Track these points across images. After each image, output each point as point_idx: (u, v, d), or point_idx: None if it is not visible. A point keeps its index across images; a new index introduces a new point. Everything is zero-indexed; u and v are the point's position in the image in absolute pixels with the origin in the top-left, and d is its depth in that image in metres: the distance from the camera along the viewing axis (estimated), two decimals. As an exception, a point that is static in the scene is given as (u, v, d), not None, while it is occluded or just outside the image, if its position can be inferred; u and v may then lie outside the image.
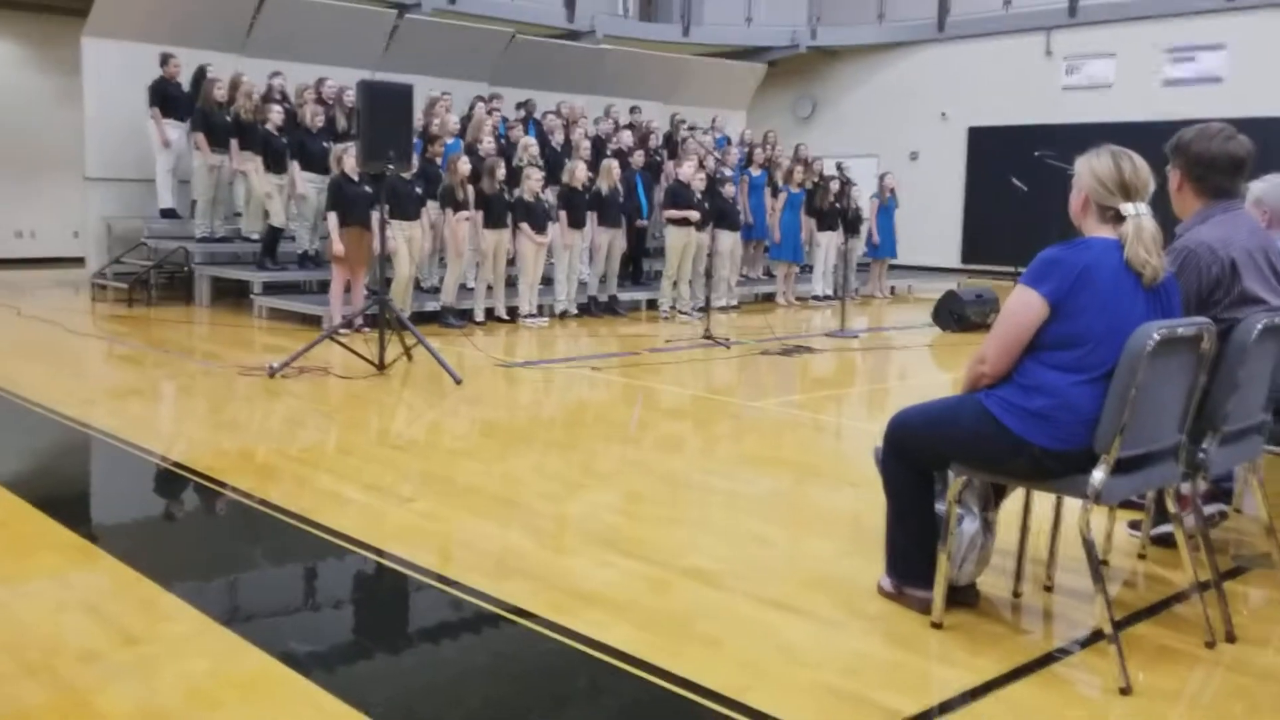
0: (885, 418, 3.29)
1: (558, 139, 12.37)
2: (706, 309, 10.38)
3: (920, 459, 3.21)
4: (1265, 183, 3.85)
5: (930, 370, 9.06)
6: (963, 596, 3.30)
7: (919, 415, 3.22)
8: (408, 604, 3.49)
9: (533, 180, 10.15)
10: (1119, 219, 2.95)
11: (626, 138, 12.73)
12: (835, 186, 13.14)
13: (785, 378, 8.14)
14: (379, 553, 3.79)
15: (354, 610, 3.42)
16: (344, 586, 3.62)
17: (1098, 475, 2.88)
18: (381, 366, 7.36)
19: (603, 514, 4.32)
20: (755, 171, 13.32)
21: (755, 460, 5.37)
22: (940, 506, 3.21)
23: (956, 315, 10.53)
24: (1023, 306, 2.93)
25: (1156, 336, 2.79)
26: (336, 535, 3.93)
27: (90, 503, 4.68)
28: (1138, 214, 2.92)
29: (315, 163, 10.48)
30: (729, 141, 14.77)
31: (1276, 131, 10.28)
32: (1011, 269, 12.53)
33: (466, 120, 12.02)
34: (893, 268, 15.13)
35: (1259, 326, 3.14)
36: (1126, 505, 4.03)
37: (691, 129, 12.76)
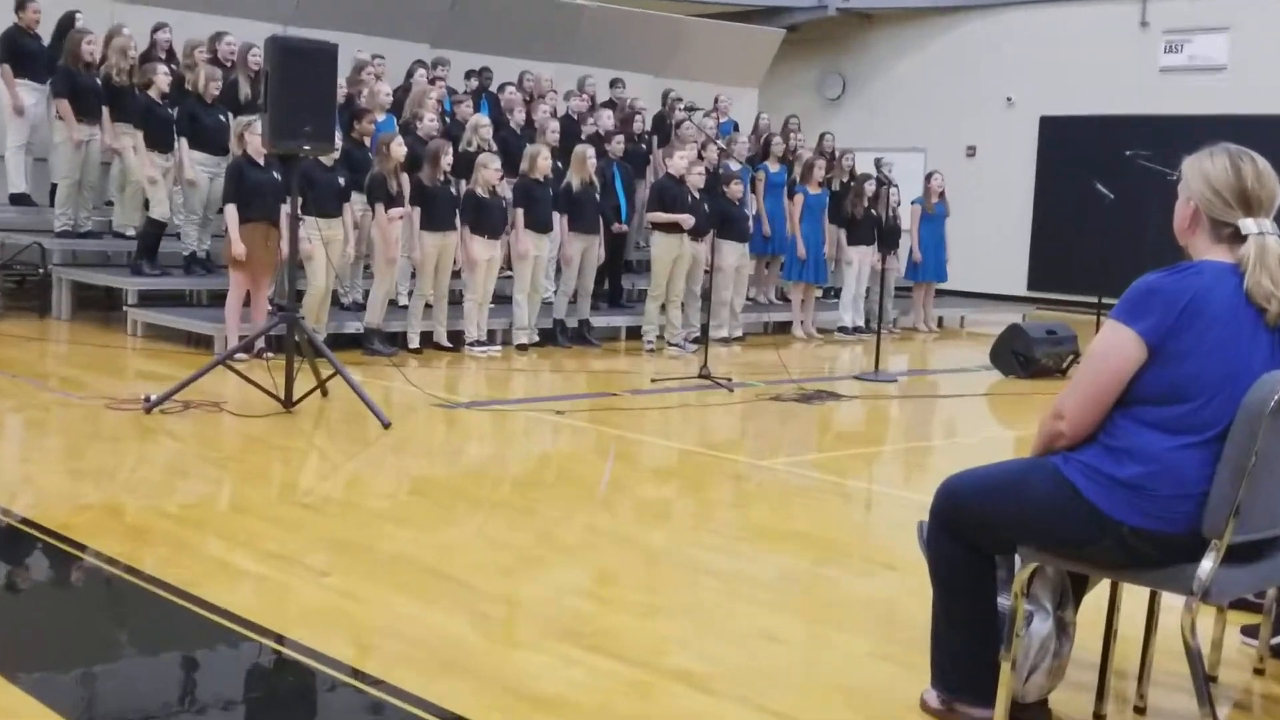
0: (931, 484, 3.29)
1: (518, 118, 12.44)
2: (703, 340, 10.41)
3: (978, 539, 3.20)
4: None
5: (988, 426, 9.10)
6: (1030, 716, 3.29)
7: (977, 483, 3.22)
8: (316, 707, 3.45)
9: (488, 170, 10.19)
10: (1237, 238, 2.96)
11: (606, 119, 12.81)
12: (870, 189, 13.25)
13: (802, 431, 8.14)
14: (280, 640, 3.76)
15: (247, 713, 3.38)
16: (234, 682, 3.59)
17: (1206, 566, 2.87)
18: (288, 403, 7.33)
19: (566, 598, 4.30)
20: (772, 167, 13.42)
21: (762, 534, 5.36)
22: (1003, 601, 3.20)
23: (1022, 357, 10.60)
24: (1113, 348, 2.95)
25: (1283, 390, 2.80)
26: (227, 616, 3.90)
27: (-95, 569, 4.63)
28: (1261, 233, 2.93)
29: (210, 141, 10.48)
30: (736, 127, 14.91)
31: None
32: (1094, 300, 12.61)
33: (403, 92, 12.08)
34: (941, 293, 15.25)
35: None
36: (1240, 606, 4.03)
37: (690, 110, 12.83)
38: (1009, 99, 19.05)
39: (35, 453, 6.38)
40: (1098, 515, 2.95)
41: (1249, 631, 4.04)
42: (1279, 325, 2.93)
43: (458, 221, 10.19)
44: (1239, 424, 2.83)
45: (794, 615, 4.29)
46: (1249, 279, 2.91)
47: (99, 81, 10.88)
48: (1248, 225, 2.94)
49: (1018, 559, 3.14)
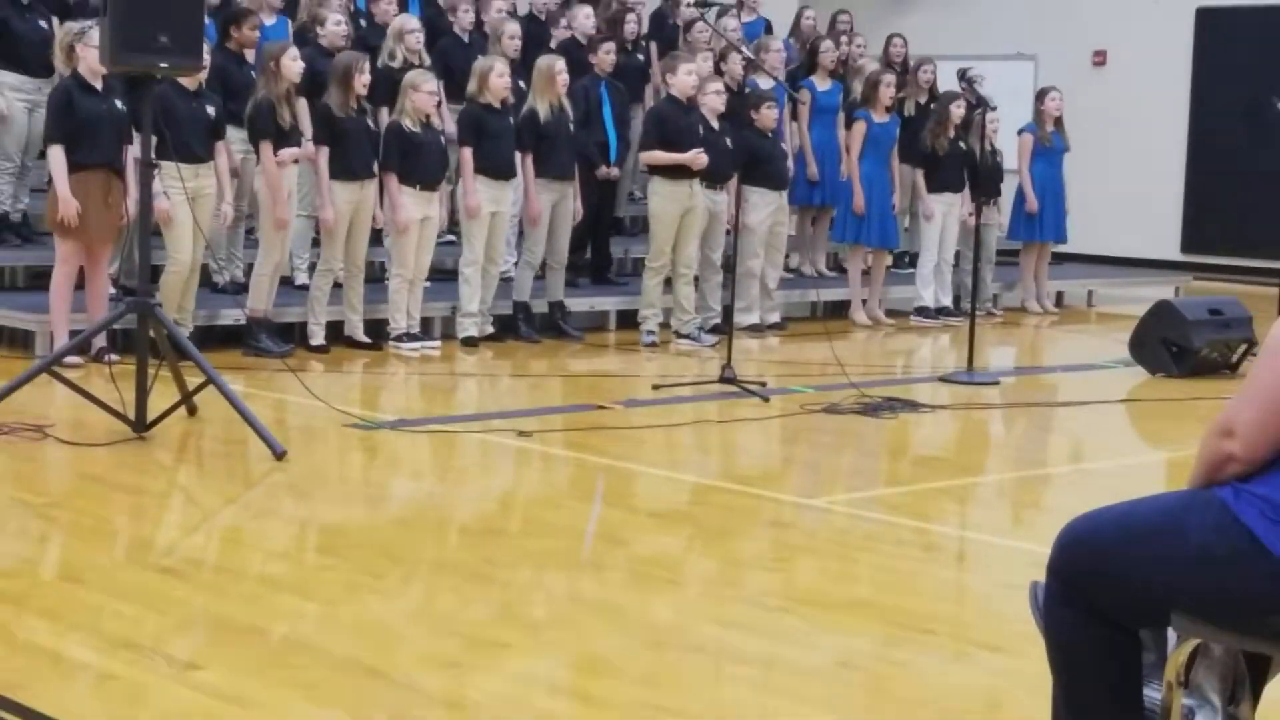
0: (1050, 530, 3.29)
1: (463, 20, 12.42)
2: (725, 330, 10.39)
3: (1116, 605, 3.20)
4: None
5: (1128, 445, 9.09)
6: None
7: (1114, 527, 3.22)
8: None
9: (420, 94, 10.19)
10: None
11: (584, 18, 12.80)
12: (959, 112, 13.24)
13: (866, 457, 8.13)
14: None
15: None
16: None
17: None
18: (140, 425, 7.31)
19: (538, 696, 4.30)
20: (821, 84, 13.40)
21: (811, 603, 5.35)
22: (1152, 693, 3.21)
23: (1176, 348, 10.59)
24: (1302, 341, 2.96)
25: None
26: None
27: None
28: None
29: (26, 57, 10.47)
30: (769, 29, 14.88)
31: None
32: (1272, 265, 12.63)
33: (298, -14, 12.07)
34: (1060, 258, 15.23)
35: None
36: None
37: (703, 4, 12.82)
38: (1152, -15, 19.08)
39: None
40: (1281, 569, 2.96)
41: None
42: None
43: (377, 167, 10.20)
44: None
45: (856, 716, 4.28)
46: None
47: None
48: None
49: (1171, 634, 3.15)
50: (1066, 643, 3.27)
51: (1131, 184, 18.21)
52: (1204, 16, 18.71)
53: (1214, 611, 3.08)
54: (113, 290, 9.47)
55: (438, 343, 10.60)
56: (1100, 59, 19.43)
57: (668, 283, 11.44)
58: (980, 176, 12.93)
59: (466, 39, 12.26)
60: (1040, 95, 14.20)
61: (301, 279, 10.67)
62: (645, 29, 13.99)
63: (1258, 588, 2.99)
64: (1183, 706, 3.16)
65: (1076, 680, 3.26)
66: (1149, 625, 3.23)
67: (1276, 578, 2.96)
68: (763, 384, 9.53)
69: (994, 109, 12.64)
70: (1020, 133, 14.06)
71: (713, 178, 11.32)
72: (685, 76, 11.33)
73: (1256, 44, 17.74)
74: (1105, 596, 3.20)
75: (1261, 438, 3.02)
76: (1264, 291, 12.48)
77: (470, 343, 10.73)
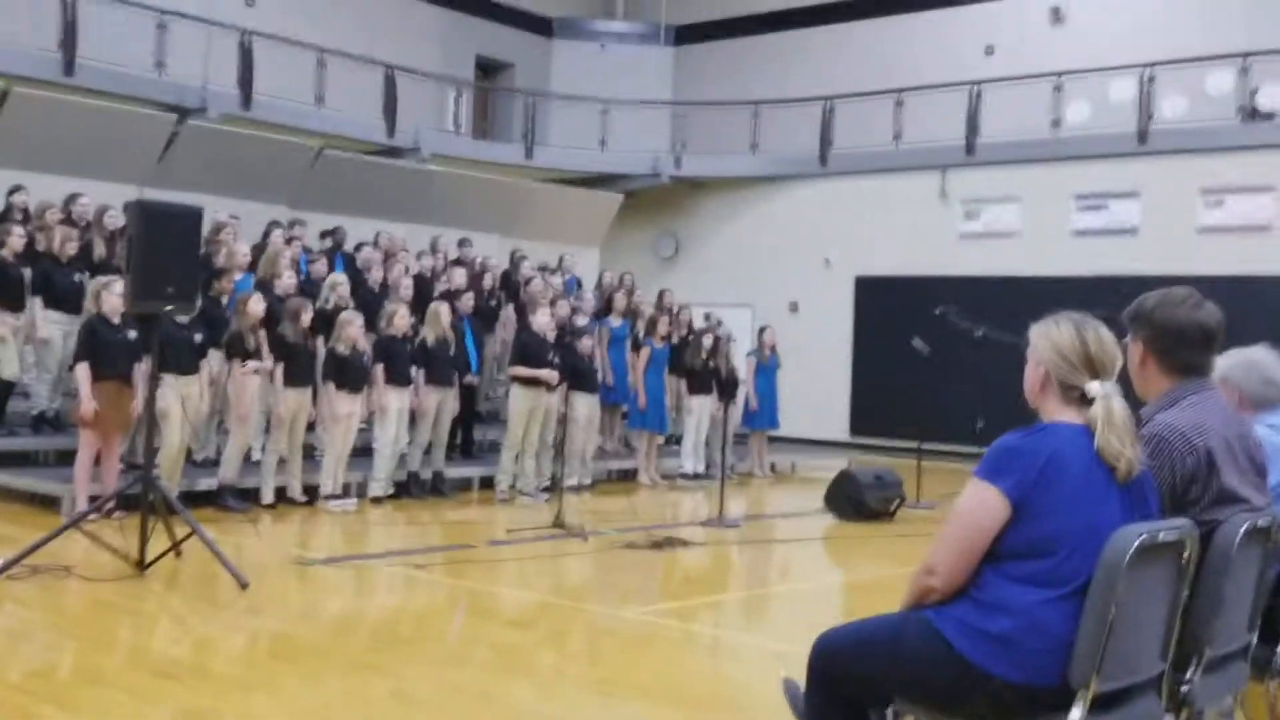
0: (780, 629, 3.19)
1: (374, 277, 12.28)
2: (555, 488, 10.21)
3: (855, 694, 3.12)
4: (1230, 358, 4.02)
5: (825, 569, 9.10)
6: None
7: (852, 637, 3.15)
8: None
9: (352, 328, 9.97)
10: (1085, 400, 3.00)
11: (458, 276, 12.74)
12: (708, 342, 13.39)
13: (653, 579, 8.01)
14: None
15: None
16: None
17: (1075, 716, 2.82)
18: (142, 565, 6.89)
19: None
20: (615, 321, 13.47)
21: (619, 683, 5.18)
22: (880, 757, 3.09)
23: (854, 501, 10.68)
24: (980, 505, 2.92)
25: (1138, 543, 2.80)
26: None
27: None
28: (1107, 394, 2.98)
29: (64, 300, 10.07)
30: (580, 284, 14.97)
31: (1202, 291, 11.01)
32: (910, 444, 12.87)
33: (259, 251, 11.81)
34: (773, 440, 15.36)
35: (1242, 530, 3.20)
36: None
37: (542, 269, 12.87)
38: (827, 260, 19.61)
39: None
40: (969, 668, 2.89)
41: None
42: (1128, 482, 2.98)
43: (317, 377, 9.90)
44: (1100, 576, 2.83)
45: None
46: (1099, 438, 2.95)
47: (-52, 243, 10.37)
48: (1094, 388, 3.00)
49: (890, 714, 3.06)
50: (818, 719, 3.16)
51: (818, 390, 18.45)
52: (862, 282, 19.29)
53: (922, 697, 3.02)
54: (120, 465, 8.99)
55: (354, 500, 10.18)
56: (794, 307, 19.85)
57: (517, 458, 11.21)
58: (724, 385, 13.07)
59: (377, 290, 12.09)
60: (761, 331, 14.39)
61: (255, 455, 10.24)
62: (496, 283, 13.92)
63: (951, 680, 2.94)
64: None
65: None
66: (875, 707, 3.13)
67: (963, 673, 2.91)
68: (583, 529, 9.34)
69: (735, 340, 12.79)
70: (747, 355, 14.25)
71: (550, 386, 11.18)
72: (542, 317, 11.24)
73: (895, 297, 18.29)
74: (847, 687, 3.14)
75: (954, 574, 2.98)
76: (906, 461, 12.64)
77: (376, 500, 10.38)
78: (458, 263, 13.68)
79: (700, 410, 13.43)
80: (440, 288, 12.62)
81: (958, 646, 2.90)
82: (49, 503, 9.19)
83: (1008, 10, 19.32)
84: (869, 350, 18.96)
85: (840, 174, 19.66)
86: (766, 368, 14.20)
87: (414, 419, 10.85)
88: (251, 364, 9.51)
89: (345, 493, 10.20)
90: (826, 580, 8.55)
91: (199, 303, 8.95)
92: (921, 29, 19.99)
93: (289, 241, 12.39)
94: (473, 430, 12.56)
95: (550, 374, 10.95)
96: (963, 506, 2.97)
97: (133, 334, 8.72)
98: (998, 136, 18.03)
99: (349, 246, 13.68)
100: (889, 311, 18.29)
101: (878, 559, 8.99)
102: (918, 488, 11.71)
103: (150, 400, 7.24)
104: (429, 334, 10.80)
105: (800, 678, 3.21)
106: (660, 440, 13.51)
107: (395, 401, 10.35)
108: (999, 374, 16.27)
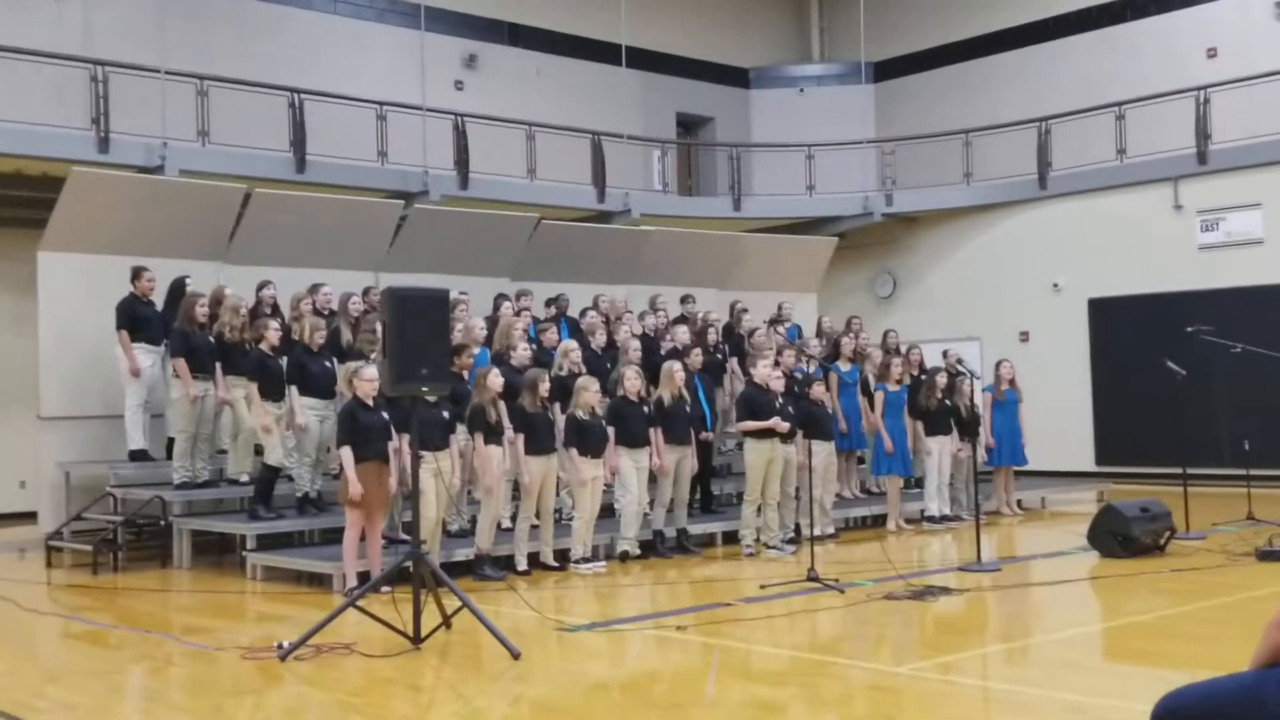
0: (1086, 682, 2.98)
1: (599, 339, 12.43)
2: (798, 539, 10.04)
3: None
4: None
5: (1105, 612, 8.64)
6: None
7: (1198, 700, 2.94)
8: None
9: (589, 393, 10.13)
10: None
11: (682, 333, 12.79)
12: (942, 381, 13.05)
13: (923, 630, 7.76)
14: None
15: None
16: None
17: None
18: (417, 638, 7.06)
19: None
20: (844, 366, 13.28)
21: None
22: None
23: (1121, 536, 10.14)
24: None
25: None
26: None
27: None
28: None
29: (317, 387, 10.53)
30: (800, 332, 14.84)
31: None
32: (1164, 470, 12.22)
33: (491, 324, 12.14)
34: (1019, 474, 14.80)
35: None
36: None
37: (772, 322, 12.83)
38: (1056, 285, 18.96)
39: (172, 712, 6.12)
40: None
41: None
42: None
43: (558, 444, 10.06)
44: None
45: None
46: None
47: (211, 340, 11.02)
48: None
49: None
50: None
51: (1057, 420, 17.67)
52: (1095, 304, 18.56)
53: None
54: (383, 541, 9.30)
55: (604, 562, 10.31)
56: (1025, 336, 19.28)
57: (758, 511, 11.13)
58: (964, 424, 12.68)
59: (600, 352, 12.23)
60: (997, 365, 13.94)
61: (505, 524, 10.46)
62: (720, 337, 13.93)
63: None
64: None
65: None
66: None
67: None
68: (837, 580, 9.12)
69: (978, 376, 12.45)
70: (984, 391, 13.82)
71: (786, 437, 11.07)
72: (763, 369, 11.16)
73: (1133, 318, 17.59)
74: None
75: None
76: (1167, 490, 11.98)
77: (624, 557, 10.47)
78: (680, 320, 13.78)
79: (940, 451, 13.07)
80: (666, 346, 12.70)
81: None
82: (318, 580, 9.56)
83: (1229, 9, 18.42)
84: (1110, 374, 18.22)
85: (1062, 195, 19.07)
86: (1005, 403, 13.72)
87: (657, 479, 10.90)
88: (495, 442, 9.72)
89: (594, 555, 10.29)
90: (1105, 624, 8.09)
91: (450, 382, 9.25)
92: (1137, 38, 19.30)
93: (518, 313, 12.70)
94: (711, 486, 12.54)
95: (779, 423, 10.82)
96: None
97: (385, 415, 9.03)
98: (1230, 141, 17.16)
99: (572, 311, 13.94)
100: (1128, 332, 17.58)
101: (1155, 598, 8.49)
102: (1185, 517, 11.06)
103: (415, 478, 7.46)
104: (664, 393, 10.86)
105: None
106: (901, 483, 13.21)
107: (629, 463, 10.42)
108: (1261, 390, 15.72)
